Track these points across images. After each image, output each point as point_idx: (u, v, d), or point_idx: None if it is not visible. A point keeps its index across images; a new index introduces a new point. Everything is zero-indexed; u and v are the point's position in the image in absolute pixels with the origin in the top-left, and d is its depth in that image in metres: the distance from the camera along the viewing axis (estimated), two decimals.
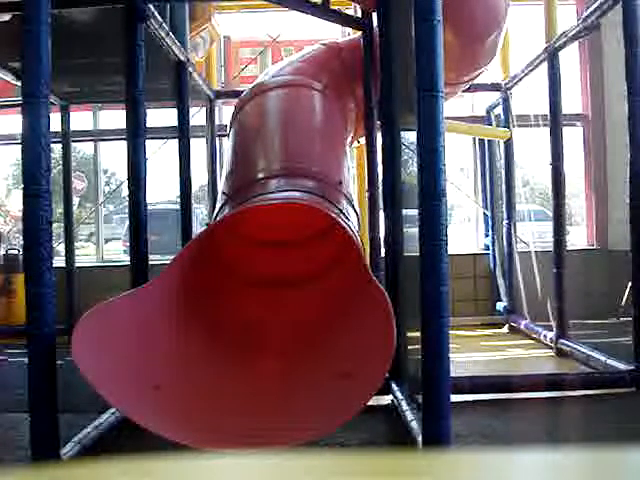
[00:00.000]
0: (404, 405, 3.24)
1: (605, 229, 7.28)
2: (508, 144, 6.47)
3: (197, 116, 6.07)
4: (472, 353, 5.33)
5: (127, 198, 3.88)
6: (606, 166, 7.28)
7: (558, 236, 5.09)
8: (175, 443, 2.18)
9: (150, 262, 3.75)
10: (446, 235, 2.24)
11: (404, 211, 3.59)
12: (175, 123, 4.75)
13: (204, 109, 6.23)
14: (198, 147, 5.99)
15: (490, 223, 6.95)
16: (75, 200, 8.34)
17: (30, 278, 2.30)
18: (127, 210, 3.84)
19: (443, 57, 2.27)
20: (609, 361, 4.15)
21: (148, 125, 3.80)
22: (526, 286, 6.18)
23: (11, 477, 0.55)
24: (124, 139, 3.78)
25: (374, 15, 4.29)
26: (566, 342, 4.94)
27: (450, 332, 2.25)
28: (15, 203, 10.13)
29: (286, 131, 4.32)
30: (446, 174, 2.27)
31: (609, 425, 3.23)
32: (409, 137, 3.37)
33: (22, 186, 2.32)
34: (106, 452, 2.87)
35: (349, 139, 5.13)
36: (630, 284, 4.00)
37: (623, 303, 5.70)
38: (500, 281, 6.75)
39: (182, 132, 4.73)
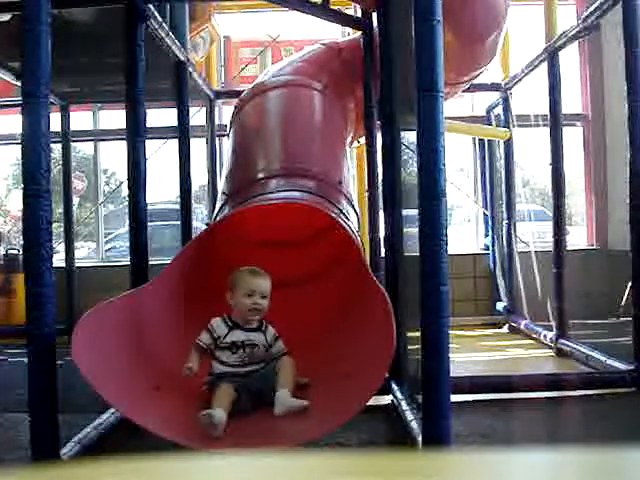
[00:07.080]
0: (404, 405, 3.24)
1: (605, 229, 7.28)
2: (508, 144, 6.47)
3: (197, 116, 6.07)
4: (472, 353, 5.33)
5: (127, 198, 3.87)
6: (606, 166, 7.28)
7: (558, 236, 5.09)
8: (175, 443, 2.18)
9: (150, 262, 3.75)
10: (446, 235, 2.24)
11: (404, 211, 3.59)
12: (175, 123, 4.75)
13: (204, 109, 6.23)
14: (198, 147, 5.99)
15: (490, 223, 6.95)
16: (75, 200, 8.33)
17: (30, 278, 2.30)
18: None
19: (443, 57, 2.27)
20: (609, 361, 4.14)
21: (148, 125, 3.80)
22: (526, 286, 6.18)
23: (11, 477, 0.55)
24: (124, 139, 3.78)
25: (374, 15, 4.29)
26: (566, 342, 4.93)
27: (450, 332, 2.25)
28: (15, 203, 10.13)
29: (286, 131, 4.32)
30: (446, 174, 2.27)
31: (609, 425, 3.23)
32: (409, 137, 3.36)
33: (22, 186, 2.32)
34: (106, 452, 2.86)
35: (349, 139, 5.13)
36: (630, 284, 3.99)
37: (623, 303, 5.70)
38: (500, 281, 6.75)
39: (182, 132, 4.72)
